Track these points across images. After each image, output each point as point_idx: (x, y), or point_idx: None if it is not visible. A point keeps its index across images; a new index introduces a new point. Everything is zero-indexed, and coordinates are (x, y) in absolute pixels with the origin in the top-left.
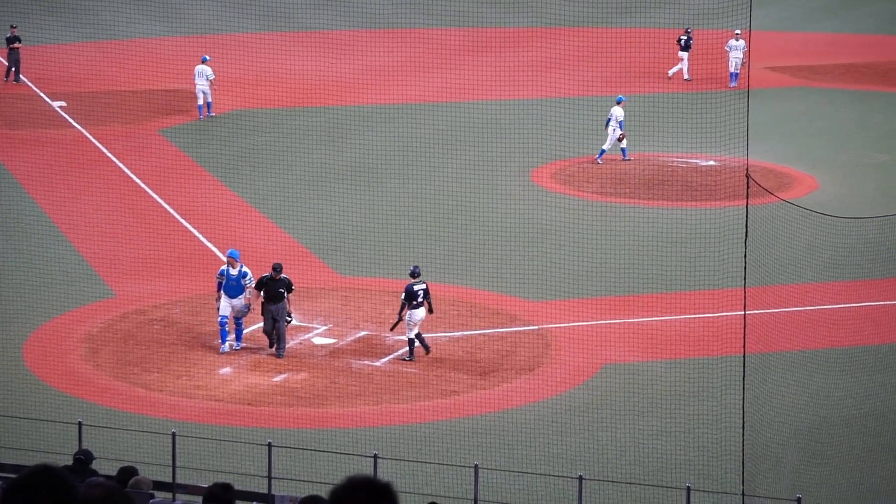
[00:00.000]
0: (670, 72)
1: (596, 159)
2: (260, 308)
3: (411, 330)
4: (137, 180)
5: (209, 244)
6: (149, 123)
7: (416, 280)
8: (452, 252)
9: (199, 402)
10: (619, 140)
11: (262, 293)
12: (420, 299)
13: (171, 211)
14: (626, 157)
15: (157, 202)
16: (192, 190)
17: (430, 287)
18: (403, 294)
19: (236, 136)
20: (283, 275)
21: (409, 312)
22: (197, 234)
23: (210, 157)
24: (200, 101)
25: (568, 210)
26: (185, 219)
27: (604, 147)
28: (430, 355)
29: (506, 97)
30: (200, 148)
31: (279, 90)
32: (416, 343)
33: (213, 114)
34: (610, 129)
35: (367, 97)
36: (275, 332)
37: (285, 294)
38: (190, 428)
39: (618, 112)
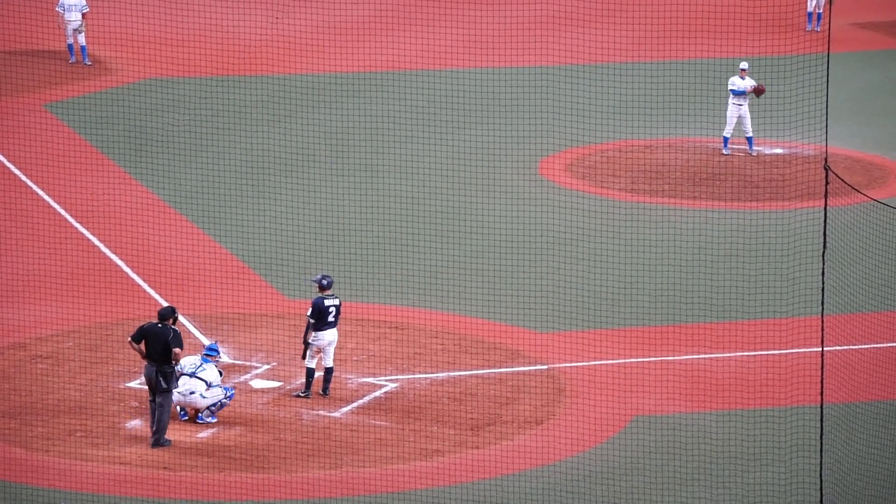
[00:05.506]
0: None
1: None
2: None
3: (313, 357)
4: (16, 170)
5: (113, 256)
6: (31, 96)
7: (328, 294)
8: (436, 268)
9: (98, 466)
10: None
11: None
12: (331, 318)
13: (62, 211)
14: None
15: (43, 199)
16: (90, 184)
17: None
18: (310, 310)
19: (149, 114)
20: (169, 323)
21: (314, 334)
22: (96, 241)
23: (115, 141)
24: (71, 40)
25: (588, 213)
26: (79, 222)
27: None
28: (403, 404)
29: (506, 64)
30: (101, 128)
31: (207, 53)
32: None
33: (90, 62)
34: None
35: (324, 63)
36: (154, 416)
37: (174, 352)
38: (85, 501)
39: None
